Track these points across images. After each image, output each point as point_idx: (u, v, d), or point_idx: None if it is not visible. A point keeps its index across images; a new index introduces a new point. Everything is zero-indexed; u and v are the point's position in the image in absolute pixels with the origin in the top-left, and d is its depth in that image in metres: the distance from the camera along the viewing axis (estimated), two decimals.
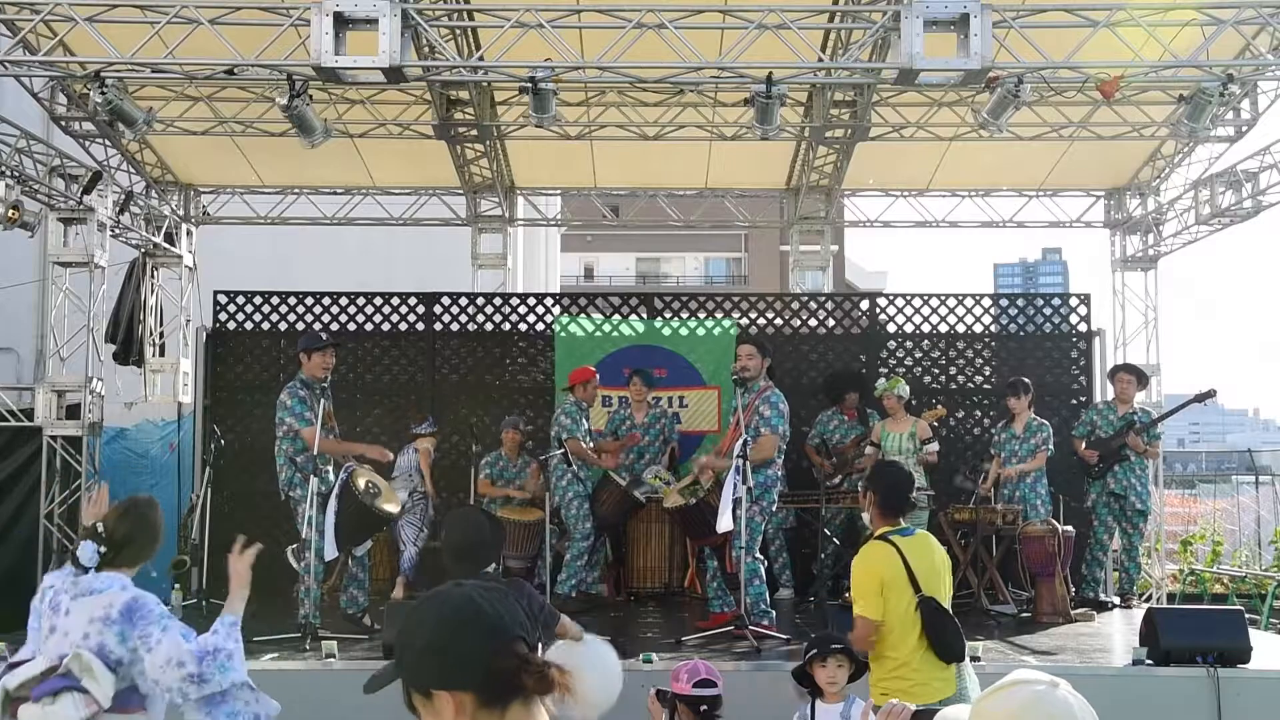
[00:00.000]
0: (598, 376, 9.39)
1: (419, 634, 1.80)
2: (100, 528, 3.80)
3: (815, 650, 4.96)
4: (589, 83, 9.13)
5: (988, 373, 11.25)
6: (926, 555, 4.87)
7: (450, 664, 1.75)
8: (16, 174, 8.96)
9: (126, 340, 11.68)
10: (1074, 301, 11.43)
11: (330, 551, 7.33)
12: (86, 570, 3.72)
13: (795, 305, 11.52)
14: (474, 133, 10.31)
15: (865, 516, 5.12)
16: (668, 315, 11.16)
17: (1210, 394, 9.60)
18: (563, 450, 8.87)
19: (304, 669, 6.57)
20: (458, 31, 8.41)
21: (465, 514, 4.67)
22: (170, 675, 3.57)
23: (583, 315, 11.15)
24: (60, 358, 10.13)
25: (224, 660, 3.63)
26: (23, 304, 14.23)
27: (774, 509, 8.12)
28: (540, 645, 4.47)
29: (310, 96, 7.99)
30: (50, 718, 3.47)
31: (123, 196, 10.39)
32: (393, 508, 7.76)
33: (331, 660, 6.63)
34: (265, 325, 11.13)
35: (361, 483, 7.49)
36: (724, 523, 7.18)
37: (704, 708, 4.91)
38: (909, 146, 10.53)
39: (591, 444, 9.25)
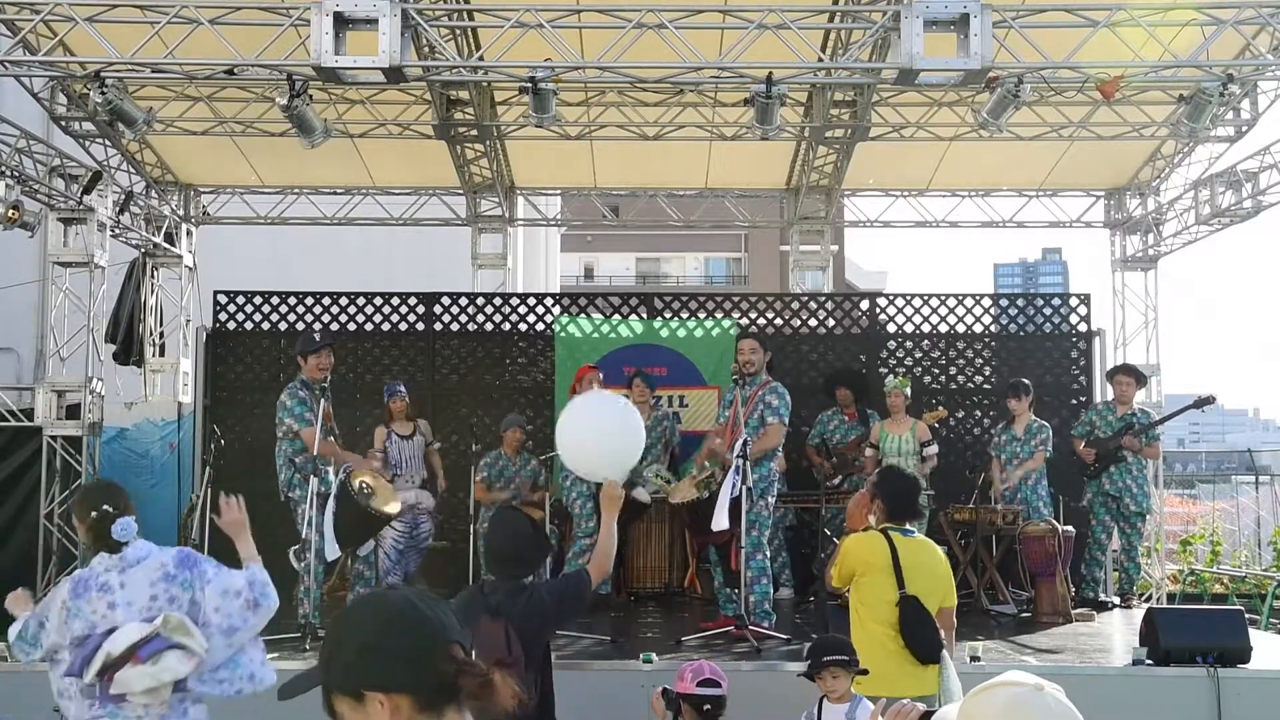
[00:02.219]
0: (600, 375, 9.34)
1: (355, 634, 1.77)
2: (109, 508, 3.92)
3: (810, 665, 5.01)
4: (589, 83, 9.13)
5: (988, 373, 11.26)
6: (922, 557, 5.02)
7: (389, 665, 1.73)
8: (16, 174, 8.96)
9: (126, 340, 11.68)
10: (1074, 301, 11.43)
11: (331, 552, 7.33)
12: (124, 545, 3.88)
13: (795, 305, 11.52)
14: (474, 133, 10.31)
15: (871, 519, 5.16)
16: (668, 315, 11.16)
17: (1210, 400, 9.59)
18: None
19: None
20: (458, 31, 8.41)
21: (516, 523, 4.56)
22: (230, 604, 3.86)
23: (583, 315, 11.15)
24: (60, 358, 10.13)
25: (266, 585, 3.98)
26: (23, 304, 14.23)
27: (774, 504, 8.11)
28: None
29: (310, 96, 8.00)
30: (161, 674, 3.65)
31: (123, 196, 10.39)
32: (392, 508, 7.75)
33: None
34: (265, 325, 11.13)
35: (358, 483, 7.49)
36: (720, 521, 7.18)
37: (708, 707, 4.92)
38: (909, 146, 10.53)
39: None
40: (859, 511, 5.33)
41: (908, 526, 5.14)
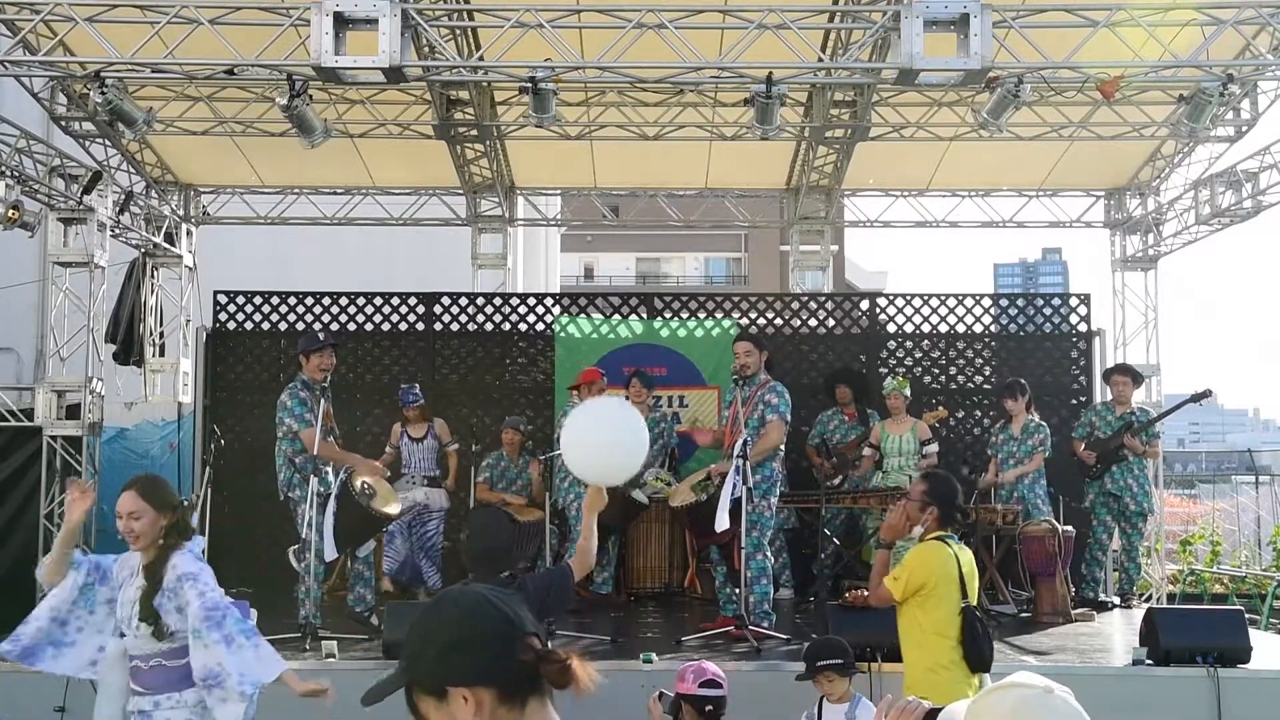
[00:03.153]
0: (605, 379, 9.35)
1: (438, 632, 1.79)
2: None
3: (806, 669, 5.01)
4: (589, 83, 9.13)
5: (988, 373, 11.26)
6: (970, 563, 4.98)
7: (472, 660, 1.75)
8: (16, 174, 8.96)
9: (126, 340, 11.67)
10: (1074, 301, 11.44)
11: (330, 553, 7.33)
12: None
13: (795, 305, 11.52)
14: (474, 133, 10.31)
15: (918, 530, 4.98)
16: (668, 315, 11.16)
17: (1206, 394, 9.60)
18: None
19: (304, 669, 6.56)
20: (458, 31, 8.41)
21: (486, 518, 4.66)
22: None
23: (583, 315, 11.15)
24: (60, 358, 10.12)
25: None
26: (23, 304, 14.23)
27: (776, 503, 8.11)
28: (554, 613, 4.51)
29: (310, 96, 7.99)
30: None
31: (123, 196, 10.38)
32: (392, 509, 7.75)
33: (331, 660, 6.63)
34: (265, 325, 11.13)
35: (359, 484, 7.49)
36: (721, 522, 7.17)
37: (709, 708, 4.92)
38: (909, 146, 10.53)
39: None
40: (903, 521, 5.04)
41: (949, 532, 5.03)
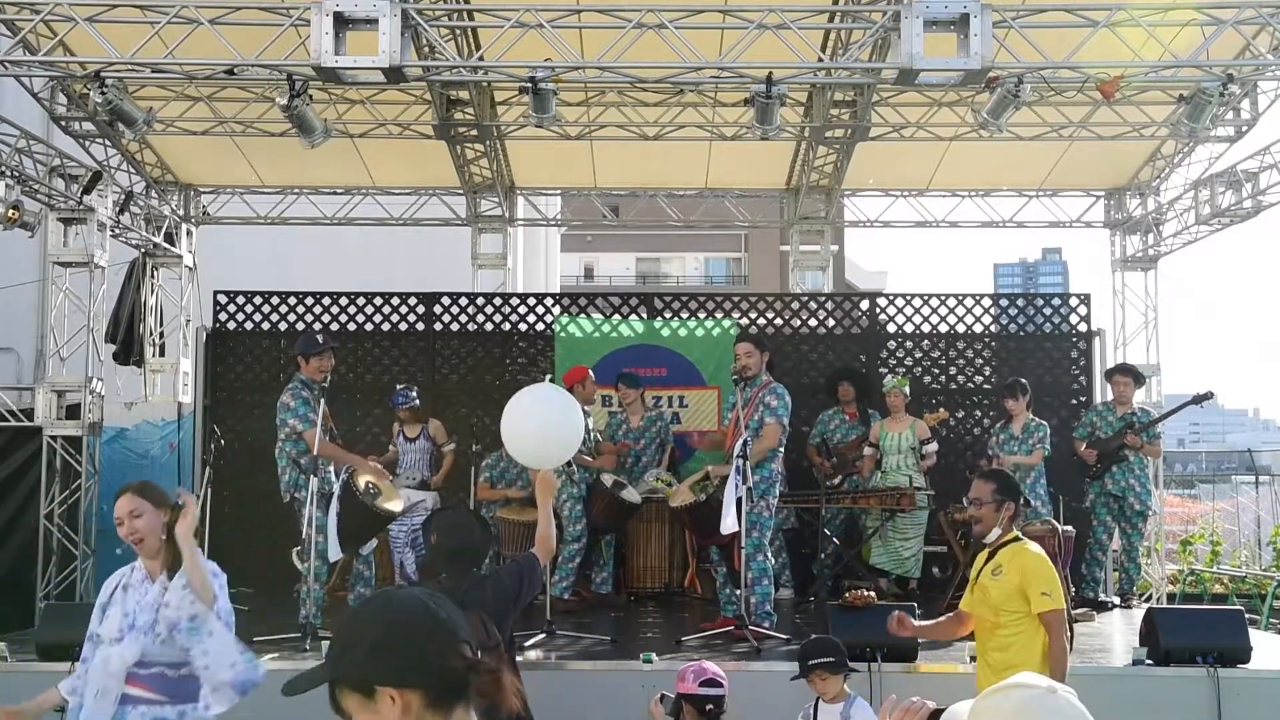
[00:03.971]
0: (592, 375, 9.32)
1: (368, 631, 1.79)
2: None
3: (799, 668, 5.01)
4: (589, 83, 9.13)
5: (988, 373, 11.25)
6: None
7: (402, 661, 1.75)
8: (16, 174, 8.96)
9: (126, 340, 11.68)
10: (1074, 301, 11.44)
11: (334, 553, 7.31)
12: None
13: (795, 305, 11.52)
14: (474, 133, 10.31)
15: (992, 533, 4.82)
16: (668, 315, 11.16)
17: (1208, 396, 9.60)
18: None
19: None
20: (458, 31, 8.41)
21: (454, 517, 4.72)
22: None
23: (583, 315, 11.15)
24: (60, 358, 10.13)
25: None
26: (23, 304, 14.24)
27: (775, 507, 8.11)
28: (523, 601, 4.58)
29: (310, 96, 7.99)
30: None
31: (123, 196, 10.39)
32: (395, 506, 7.75)
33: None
34: (265, 325, 11.13)
35: (362, 483, 7.49)
36: (728, 524, 7.17)
37: (710, 708, 4.93)
38: (909, 146, 10.53)
39: (592, 444, 9.23)
40: (986, 530, 4.87)
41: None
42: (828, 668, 4.91)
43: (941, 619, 5.24)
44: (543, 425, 4.75)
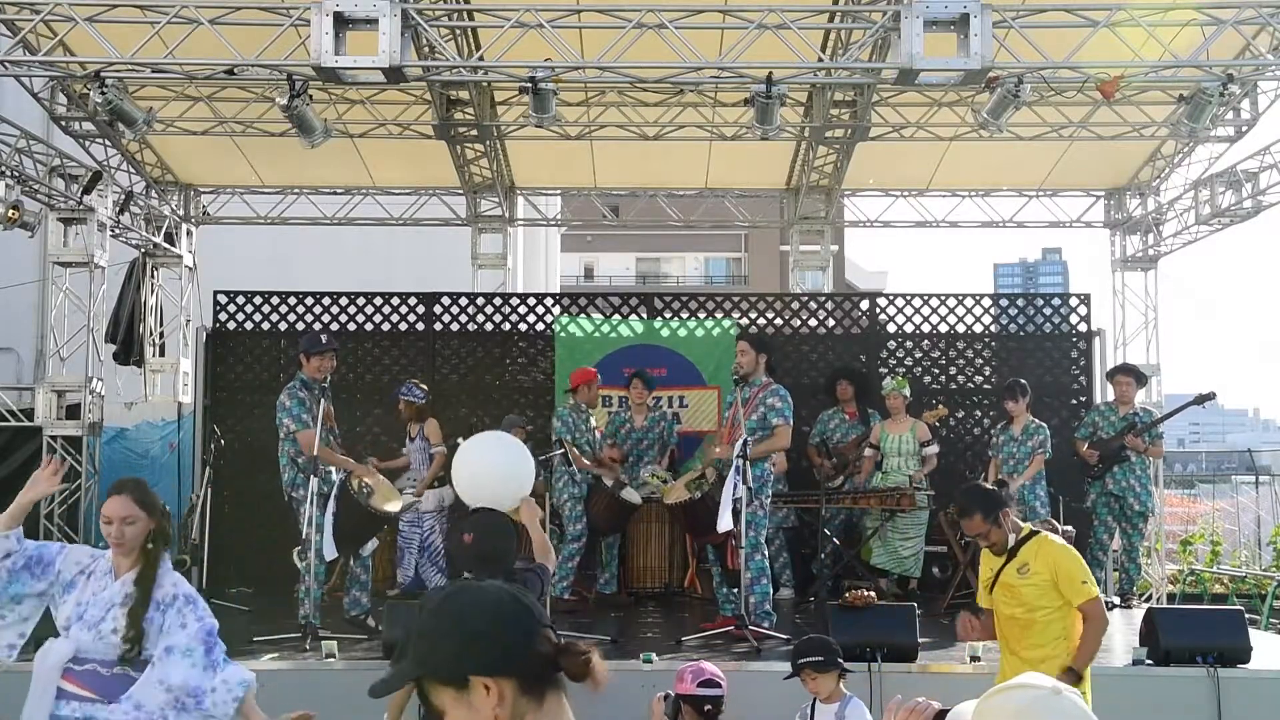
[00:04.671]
0: (599, 378, 9.37)
1: (461, 623, 1.79)
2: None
3: (790, 667, 5.01)
4: (589, 83, 9.13)
5: (988, 373, 11.25)
6: None
7: (496, 649, 1.76)
8: (16, 174, 8.96)
9: (126, 340, 11.68)
10: (1074, 301, 11.43)
11: (330, 552, 7.31)
12: None
13: (795, 305, 11.52)
14: (474, 133, 10.31)
15: (1009, 539, 4.83)
16: (668, 315, 11.15)
17: (1210, 396, 9.60)
18: (563, 450, 8.88)
19: (304, 669, 6.57)
20: (458, 31, 8.41)
21: (492, 519, 4.70)
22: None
23: (583, 315, 11.15)
24: (60, 358, 10.13)
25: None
26: (23, 304, 14.25)
27: (769, 505, 8.10)
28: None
29: (310, 96, 7.99)
30: None
31: (123, 196, 10.39)
32: (392, 507, 7.74)
33: (331, 660, 6.63)
34: (265, 325, 11.12)
35: (357, 483, 7.48)
36: (724, 522, 7.18)
37: (708, 708, 4.93)
38: (909, 146, 10.53)
39: (591, 448, 9.23)
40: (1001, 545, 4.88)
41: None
42: (816, 666, 4.91)
43: (987, 620, 5.06)
44: (494, 472, 4.86)
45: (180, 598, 3.96)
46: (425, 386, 9.63)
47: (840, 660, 5.02)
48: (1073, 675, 4.57)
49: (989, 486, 5.15)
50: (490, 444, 5.10)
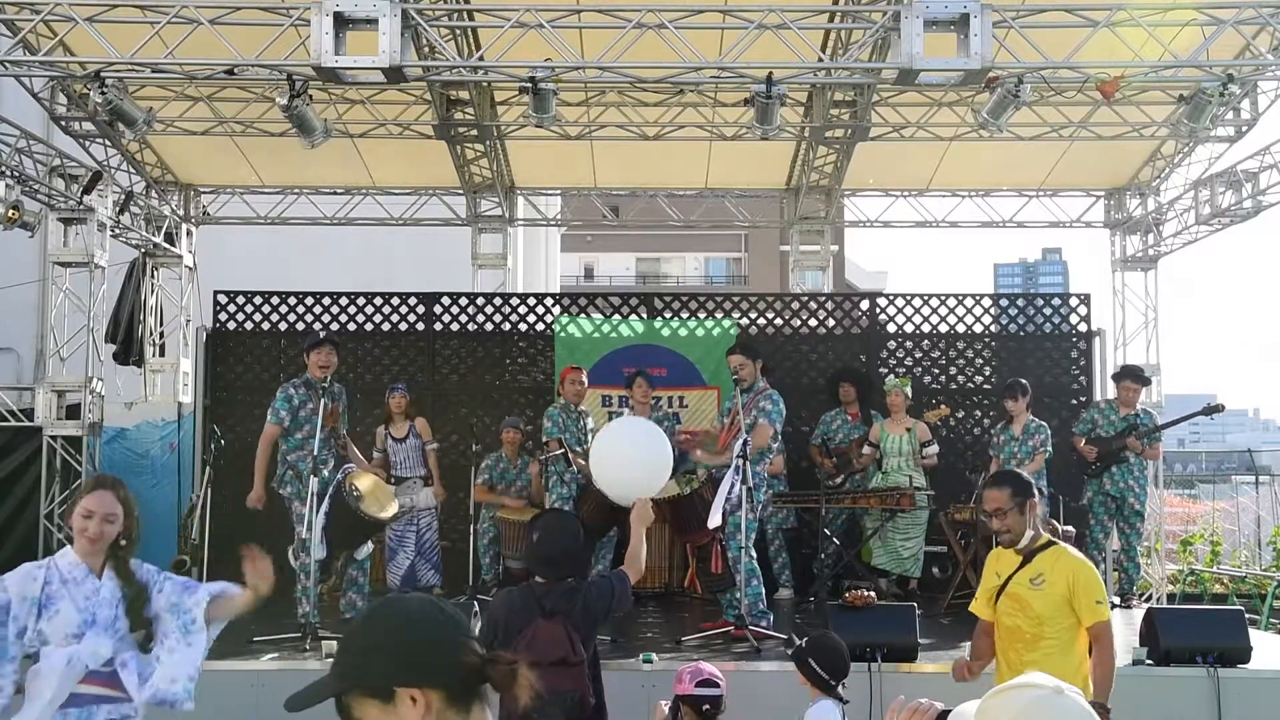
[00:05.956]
0: (584, 374, 9.21)
1: (382, 636, 1.79)
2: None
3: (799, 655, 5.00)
4: (589, 83, 9.13)
5: (988, 373, 11.25)
6: None
7: (421, 660, 1.75)
8: (16, 174, 8.97)
9: (126, 340, 11.68)
10: (1074, 301, 11.43)
11: (317, 551, 7.31)
12: None
13: (795, 305, 11.51)
14: (474, 133, 10.31)
15: (1025, 536, 4.56)
16: (668, 315, 11.15)
17: (1219, 408, 9.59)
18: (562, 450, 8.86)
19: (304, 669, 6.57)
20: (458, 31, 8.41)
21: (558, 520, 4.71)
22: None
23: (583, 315, 11.15)
24: (60, 358, 10.13)
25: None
26: (23, 304, 14.24)
27: (760, 507, 8.08)
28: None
29: (310, 96, 8.00)
30: None
31: (123, 196, 10.39)
32: (386, 513, 7.69)
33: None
34: (265, 325, 11.12)
35: (349, 486, 7.47)
36: (714, 519, 7.17)
37: (707, 708, 4.92)
38: (909, 146, 10.54)
39: (582, 448, 9.22)
40: (1018, 539, 4.61)
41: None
42: (804, 672, 4.89)
43: (981, 641, 4.85)
44: (628, 461, 4.79)
45: (151, 570, 4.10)
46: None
47: (825, 678, 4.82)
48: (1102, 710, 4.34)
49: (1024, 475, 4.88)
50: (636, 431, 5.01)
